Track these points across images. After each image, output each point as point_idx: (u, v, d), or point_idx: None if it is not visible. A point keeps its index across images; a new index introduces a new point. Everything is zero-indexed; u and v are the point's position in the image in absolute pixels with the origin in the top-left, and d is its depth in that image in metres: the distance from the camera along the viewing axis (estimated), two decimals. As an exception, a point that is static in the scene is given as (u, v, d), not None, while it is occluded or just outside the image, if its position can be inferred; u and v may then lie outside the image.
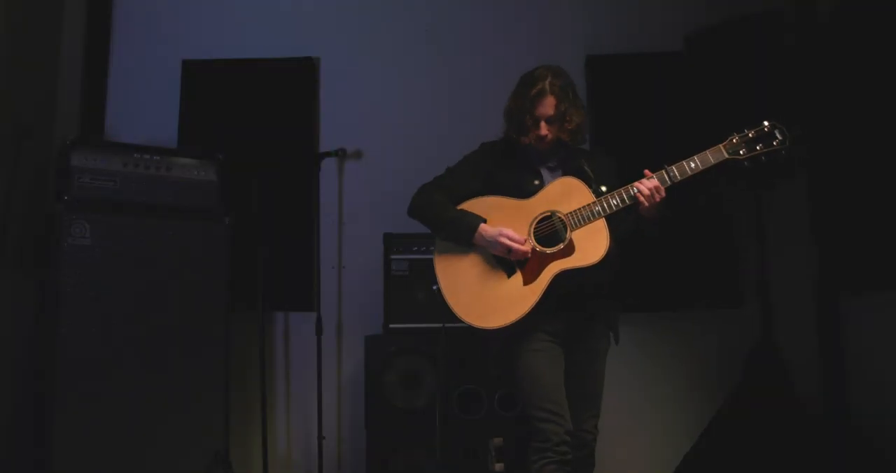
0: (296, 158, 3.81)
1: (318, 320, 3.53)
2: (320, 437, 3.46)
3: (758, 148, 2.33)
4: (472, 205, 2.58)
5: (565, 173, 2.55)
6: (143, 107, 3.91)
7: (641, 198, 2.36)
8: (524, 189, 2.53)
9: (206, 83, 3.91)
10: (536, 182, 2.55)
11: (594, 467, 2.51)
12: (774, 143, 2.32)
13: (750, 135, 2.34)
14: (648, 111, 3.71)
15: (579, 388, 2.48)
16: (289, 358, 3.80)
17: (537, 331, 2.44)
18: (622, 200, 2.39)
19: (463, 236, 2.53)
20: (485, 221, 2.51)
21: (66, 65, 3.74)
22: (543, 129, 2.50)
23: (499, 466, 3.07)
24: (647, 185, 2.36)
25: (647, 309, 3.67)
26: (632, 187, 2.39)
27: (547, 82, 2.50)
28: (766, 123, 2.34)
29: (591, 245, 2.37)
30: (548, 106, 2.48)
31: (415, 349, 3.29)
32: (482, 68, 3.87)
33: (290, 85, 3.90)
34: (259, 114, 3.86)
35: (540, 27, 3.93)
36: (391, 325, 3.39)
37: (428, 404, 3.23)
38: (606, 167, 2.57)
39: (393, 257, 3.45)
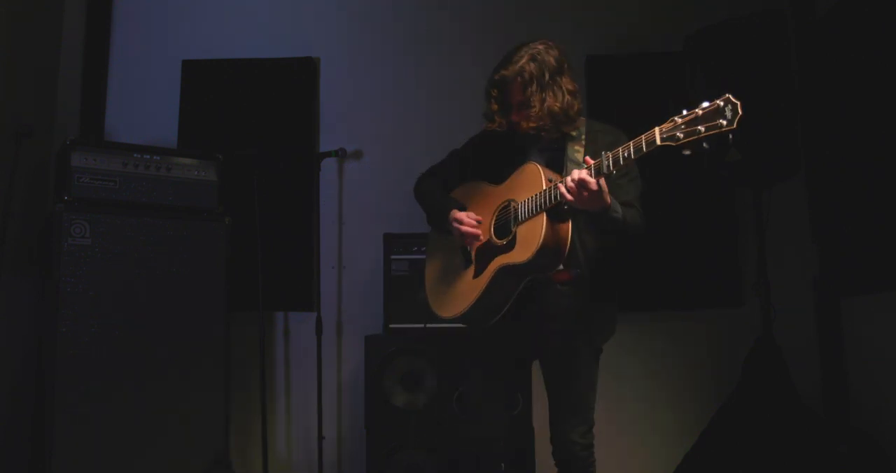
0: (296, 158, 3.81)
1: (318, 320, 3.53)
2: (320, 437, 3.46)
3: (699, 131, 1.85)
4: (458, 191, 2.45)
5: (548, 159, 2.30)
6: (143, 107, 3.91)
7: (564, 192, 2.03)
8: (502, 173, 2.31)
9: (206, 83, 3.91)
10: (514, 167, 2.30)
11: None
12: (723, 123, 1.81)
13: (696, 114, 1.88)
14: (648, 111, 3.68)
15: (556, 395, 2.30)
16: (289, 358, 3.80)
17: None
18: (554, 195, 2.08)
19: (440, 223, 2.40)
20: (462, 207, 2.34)
21: (66, 65, 3.74)
22: (514, 115, 2.25)
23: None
24: (572, 178, 2.02)
25: (647, 309, 3.67)
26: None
27: (518, 66, 2.21)
28: (718, 101, 1.84)
29: (527, 241, 2.13)
30: (515, 92, 2.23)
31: (415, 349, 3.29)
32: (482, 68, 3.85)
33: (290, 85, 3.90)
34: (259, 114, 3.86)
35: (540, 27, 3.91)
36: (391, 325, 3.39)
37: (428, 404, 3.23)
38: (607, 146, 2.13)
39: (393, 257, 3.45)
